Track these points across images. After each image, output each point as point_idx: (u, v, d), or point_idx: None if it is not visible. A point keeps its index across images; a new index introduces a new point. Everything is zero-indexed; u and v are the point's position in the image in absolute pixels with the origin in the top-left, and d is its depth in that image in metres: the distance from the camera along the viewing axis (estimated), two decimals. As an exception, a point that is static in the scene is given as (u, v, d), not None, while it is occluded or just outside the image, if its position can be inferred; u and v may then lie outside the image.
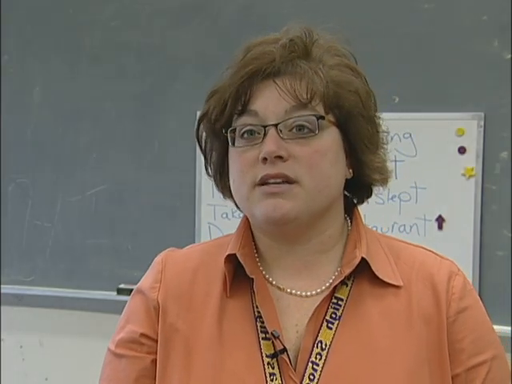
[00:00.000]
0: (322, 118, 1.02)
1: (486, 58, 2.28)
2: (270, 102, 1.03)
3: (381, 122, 1.11)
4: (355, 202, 1.15)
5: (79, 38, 2.72)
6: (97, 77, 2.71)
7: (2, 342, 2.90)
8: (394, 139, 2.33)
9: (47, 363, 2.88)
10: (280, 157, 1.01)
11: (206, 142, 1.11)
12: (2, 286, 2.82)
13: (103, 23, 2.70)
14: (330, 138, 1.04)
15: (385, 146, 1.11)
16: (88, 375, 1.18)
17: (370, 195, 1.14)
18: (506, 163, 2.27)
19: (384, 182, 1.11)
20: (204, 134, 1.11)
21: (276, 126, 1.02)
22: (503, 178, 2.28)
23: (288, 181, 1.01)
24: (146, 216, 2.67)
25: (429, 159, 2.34)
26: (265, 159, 1.01)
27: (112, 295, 2.65)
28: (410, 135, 2.35)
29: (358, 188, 1.12)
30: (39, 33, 2.78)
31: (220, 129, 1.07)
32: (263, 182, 1.02)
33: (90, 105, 2.72)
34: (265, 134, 1.02)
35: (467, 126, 2.30)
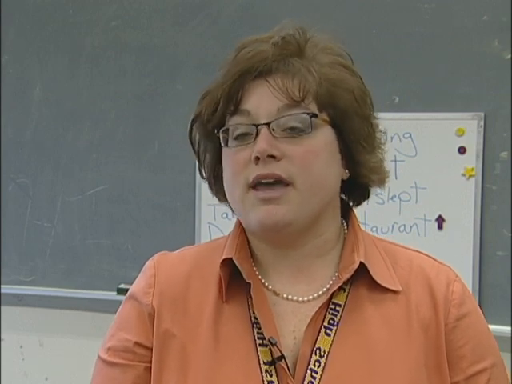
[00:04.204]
0: (315, 116, 1.00)
1: (486, 58, 2.28)
2: (262, 100, 1.01)
3: (378, 122, 1.09)
4: (352, 204, 1.13)
5: (79, 38, 2.72)
6: (97, 77, 2.71)
7: (2, 342, 2.90)
8: (394, 139, 2.33)
9: (47, 363, 2.88)
10: (273, 156, 0.99)
11: (199, 144, 1.10)
12: (2, 286, 2.82)
13: (103, 23, 2.70)
14: (323, 138, 1.02)
15: (382, 147, 1.09)
16: (88, 375, 1.17)
17: (367, 197, 1.12)
18: (505, 163, 2.27)
19: (381, 182, 1.09)
20: (197, 135, 1.09)
21: (268, 124, 1.00)
22: (503, 178, 2.28)
23: (281, 181, 0.99)
24: (146, 216, 2.67)
25: (429, 159, 2.33)
26: (257, 158, 0.99)
27: (112, 295, 2.65)
28: (410, 135, 2.35)
29: (355, 189, 1.10)
30: (39, 33, 2.77)
31: (212, 129, 1.05)
32: (256, 184, 1.00)
33: (90, 105, 2.72)
34: (257, 134, 1.00)
35: (467, 126, 2.30)
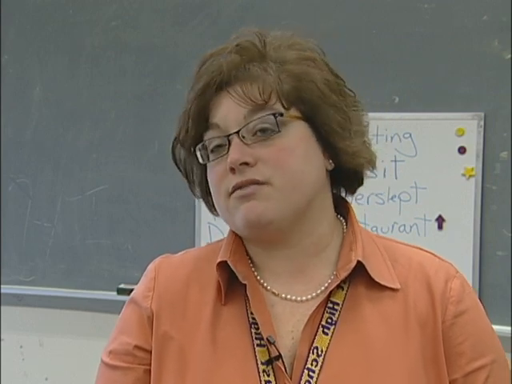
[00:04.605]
0: (281, 114, 1.01)
1: (486, 58, 2.28)
2: (228, 111, 1.02)
3: (358, 104, 1.08)
4: (346, 194, 1.13)
5: (79, 38, 2.72)
6: (97, 77, 2.71)
7: (2, 342, 2.90)
8: (394, 139, 2.33)
9: (47, 363, 2.88)
10: (246, 163, 1.00)
11: (185, 165, 1.12)
12: (2, 286, 2.82)
13: (103, 23, 2.70)
14: (296, 133, 1.02)
15: (364, 129, 1.09)
16: (88, 375, 1.17)
17: (360, 183, 1.12)
18: (506, 163, 2.27)
19: (371, 164, 1.09)
20: (181, 157, 1.11)
21: (237, 133, 1.01)
22: (503, 178, 2.28)
23: (258, 184, 1.00)
24: (146, 216, 2.67)
25: (429, 159, 2.33)
26: (232, 169, 1.00)
27: (112, 295, 2.65)
28: (410, 135, 2.35)
29: (346, 177, 1.10)
30: (39, 33, 2.77)
31: (189, 148, 1.07)
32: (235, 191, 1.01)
33: (90, 105, 2.72)
34: (229, 144, 1.01)
35: (467, 126, 2.30)
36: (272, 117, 1.01)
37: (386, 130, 2.31)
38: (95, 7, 2.70)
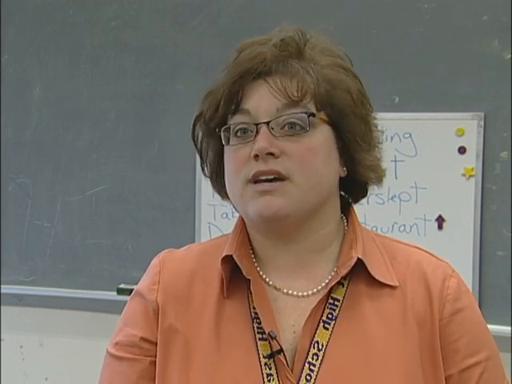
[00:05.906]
0: (313, 115, 1.03)
1: (486, 58, 2.28)
2: (261, 100, 1.04)
3: (376, 122, 1.11)
4: (350, 201, 1.15)
5: (79, 38, 2.72)
6: (97, 77, 2.71)
7: (2, 342, 2.91)
8: (394, 139, 2.34)
9: (47, 363, 2.88)
10: (272, 154, 1.02)
11: (201, 142, 1.13)
12: (2, 286, 2.82)
13: (103, 23, 2.70)
14: (321, 136, 1.04)
15: (379, 146, 1.12)
16: (88, 375, 1.18)
17: (365, 195, 1.14)
18: (506, 163, 2.27)
19: (379, 180, 1.12)
20: (200, 134, 1.12)
21: (268, 123, 1.03)
22: (503, 178, 2.28)
23: (280, 177, 1.02)
24: (146, 216, 2.67)
25: (429, 159, 2.34)
26: (256, 156, 1.02)
27: (112, 295, 2.65)
28: (410, 135, 2.35)
29: (353, 187, 1.13)
30: (39, 33, 2.78)
31: (214, 128, 1.08)
32: (255, 180, 1.03)
33: (90, 105, 2.72)
34: (257, 132, 1.03)
35: (467, 126, 2.30)
36: (305, 115, 1.03)
37: (386, 130, 2.30)
38: (95, 7, 2.70)
